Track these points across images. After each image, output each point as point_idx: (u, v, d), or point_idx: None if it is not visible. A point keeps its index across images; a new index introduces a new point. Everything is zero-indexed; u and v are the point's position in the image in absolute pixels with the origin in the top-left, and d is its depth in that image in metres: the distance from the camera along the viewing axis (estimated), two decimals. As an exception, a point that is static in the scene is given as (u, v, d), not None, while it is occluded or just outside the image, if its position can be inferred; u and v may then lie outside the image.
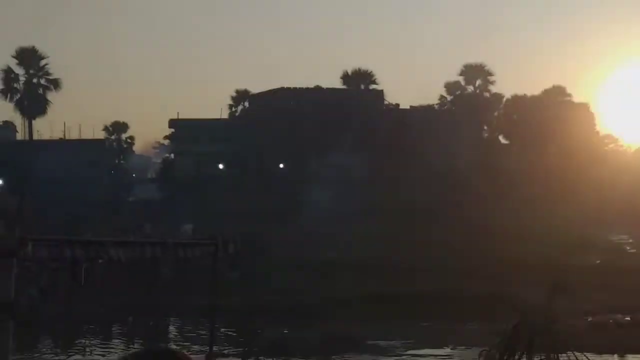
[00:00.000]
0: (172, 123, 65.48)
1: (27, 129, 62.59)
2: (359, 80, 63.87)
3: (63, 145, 62.80)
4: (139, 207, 55.86)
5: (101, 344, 25.86)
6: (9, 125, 68.27)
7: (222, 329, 23.37)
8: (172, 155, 65.76)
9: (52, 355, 23.67)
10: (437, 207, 45.48)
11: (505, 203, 45.79)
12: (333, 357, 22.36)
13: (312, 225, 42.79)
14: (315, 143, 53.44)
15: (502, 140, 65.01)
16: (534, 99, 62.38)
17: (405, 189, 49.94)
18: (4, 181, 54.59)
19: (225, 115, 66.10)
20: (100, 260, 8.16)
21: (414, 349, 23.65)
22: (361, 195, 47.14)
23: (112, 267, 31.89)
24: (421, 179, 51.14)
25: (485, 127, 65.15)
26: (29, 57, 60.98)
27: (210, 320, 9.46)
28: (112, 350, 23.46)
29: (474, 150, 53.78)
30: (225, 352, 21.04)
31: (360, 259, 34.58)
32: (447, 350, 23.49)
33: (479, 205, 46.09)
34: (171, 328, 29.37)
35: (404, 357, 22.72)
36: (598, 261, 35.89)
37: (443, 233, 39.49)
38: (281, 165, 59.25)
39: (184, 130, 63.38)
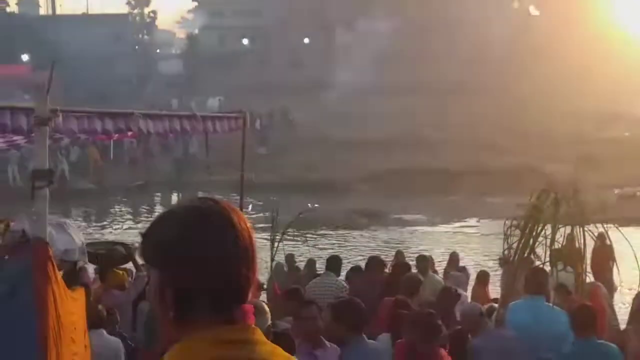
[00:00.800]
0: (196, -4, 64.41)
1: (50, 3, 61.98)
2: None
3: (86, 20, 62.22)
4: (164, 83, 55.88)
5: (130, 212, 26.73)
6: (31, 1, 67.60)
7: (250, 203, 23.87)
8: (197, 30, 65.00)
9: (85, 224, 24.52)
10: (467, 82, 44.91)
11: (536, 77, 45.03)
12: (359, 231, 22.87)
13: (339, 100, 42.67)
14: (342, 13, 52.19)
15: (533, 11, 63.13)
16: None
17: (434, 62, 49.21)
18: (30, 56, 54.62)
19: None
20: (129, 133, 8.27)
21: (439, 223, 24.08)
22: (390, 68, 46.43)
23: (140, 143, 32.59)
24: (451, 52, 50.24)
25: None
26: None
27: (240, 194, 9.64)
28: (141, 218, 24.22)
29: (504, 22, 52.33)
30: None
31: (388, 135, 34.64)
32: (472, 222, 23.88)
33: (509, 79, 45.41)
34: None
35: (428, 229, 23.16)
36: (627, 133, 35.59)
37: (473, 107, 39.20)
38: (306, 40, 58.36)
39: (208, 4, 62.32)
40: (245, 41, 58.78)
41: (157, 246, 1.52)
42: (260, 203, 25.65)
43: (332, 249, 19.81)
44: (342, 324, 4.92)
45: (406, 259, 12.35)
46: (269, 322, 3.79)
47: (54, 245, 5.43)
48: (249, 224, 1.56)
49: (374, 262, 9.69)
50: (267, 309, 3.82)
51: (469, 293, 10.61)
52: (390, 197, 26.36)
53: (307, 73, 50.44)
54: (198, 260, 1.47)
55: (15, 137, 7.75)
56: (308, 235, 15.72)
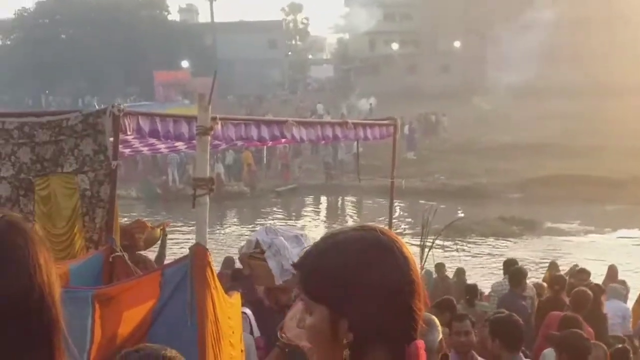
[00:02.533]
0: (348, 2, 65.08)
1: (209, 11, 64.69)
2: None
3: (242, 27, 64.46)
4: (315, 87, 56.89)
5: (282, 214, 27.37)
6: (191, 8, 70.97)
7: (398, 207, 23.80)
8: (347, 35, 65.72)
9: (239, 226, 25.40)
10: (628, 83, 42.40)
11: None
12: (510, 239, 22.19)
13: (490, 105, 41.67)
14: (494, 15, 50.95)
15: None
16: None
17: (592, 61, 46.92)
18: (190, 62, 57.32)
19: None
20: (283, 140, 8.46)
21: (595, 233, 22.91)
22: (545, 69, 44.68)
23: (291, 148, 33.38)
24: (611, 51, 47.66)
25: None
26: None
27: (389, 200, 9.60)
28: (293, 220, 24.82)
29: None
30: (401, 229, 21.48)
31: (542, 140, 33.42)
32: (634, 233, 22.53)
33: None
34: (348, 204, 30.39)
35: (583, 239, 22.08)
36: None
37: (634, 111, 36.96)
38: (457, 43, 57.48)
39: (360, 9, 62.85)
40: (395, 46, 58.76)
41: (331, 279, 1.37)
42: (399, 208, 25.48)
43: (482, 257, 19.34)
44: (500, 341, 4.77)
45: (560, 270, 11.86)
46: (441, 335, 3.70)
47: (291, 259, 5.65)
48: (408, 249, 1.45)
49: (520, 275, 9.31)
50: (437, 322, 3.73)
51: (629, 306, 10.02)
52: (543, 205, 25.39)
53: (456, 77, 49.70)
54: (379, 294, 1.35)
55: (177, 143, 8.15)
56: (458, 243, 15.39)
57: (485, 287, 11.49)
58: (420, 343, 1.40)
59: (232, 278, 8.72)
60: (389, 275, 1.36)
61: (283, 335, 3.53)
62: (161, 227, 8.82)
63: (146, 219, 10.29)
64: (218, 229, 23.91)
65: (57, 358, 1.06)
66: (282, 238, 6.49)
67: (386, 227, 1.50)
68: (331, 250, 1.40)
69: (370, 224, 1.48)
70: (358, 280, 1.35)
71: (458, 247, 14.96)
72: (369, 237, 1.41)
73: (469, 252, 19.56)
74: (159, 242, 8.94)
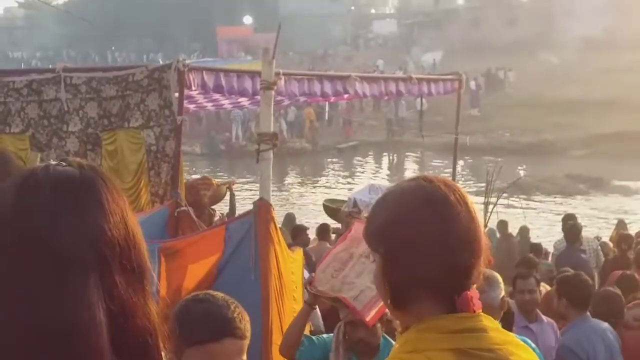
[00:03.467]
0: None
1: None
2: None
3: (304, -18, 63.87)
4: (378, 43, 56.27)
5: (343, 172, 27.41)
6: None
7: (462, 165, 23.53)
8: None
9: (301, 181, 25.54)
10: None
11: None
12: (577, 196, 21.73)
13: (557, 59, 40.51)
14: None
15: None
16: None
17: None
18: (252, 18, 57.30)
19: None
20: (346, 95, 8.40)
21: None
22: (618, 20, 42.98)
23: (354, 104, 33.20)
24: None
25: None
26: None
27: (453, 157, 9.48)
28: (354, 178, 24.80)
29: None
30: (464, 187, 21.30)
31: (612, 96, 32.41)
32: None
33: None
34: (410, 161, 30.21)
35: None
36: None
37: None
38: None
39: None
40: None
41: (377, 229, 1.45)
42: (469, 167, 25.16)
43: (547, 215, 19.01)
44: (567, 300, 4.68)
45: (628, 229, 11.57)
46: (503, 292, 3.65)
47: None
48: (471, 202, 1.44)
49: (575, 230, 9.08)
50: (500, 278, 3.68)
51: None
52: (611, 162, 24.72)
53: (523, 30, 48.34)
54: (418, 245, 1.38)
55: (240, 99, 8.18)
56: (522, 202, 15.15)
57: (550, 246, 11.29)
58: (473, 293, 1.41)
59: (292, 236, 8.79)
60: (432, 229, 1.38)
61: (312, 288, 3.57)
62: (227, 186, 8.95)
63: (210, 175, 10.44)
64: (280, 185, 24.09)
65: (149, 301, 1.10)
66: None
67: (447, 179, 1.48)
68: (381, 203, 1.48)
69: (429, 175, 1.48)
70: (399, 233, 1.40)
71: (522, 205, 14.68)
72: (419, 190, 1.44)
73: (534, 210, 19.24)
74: (228, 200, 9.07)
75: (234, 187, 9.41)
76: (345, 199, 12.31)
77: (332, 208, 12.19)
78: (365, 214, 6.13)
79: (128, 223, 1.10)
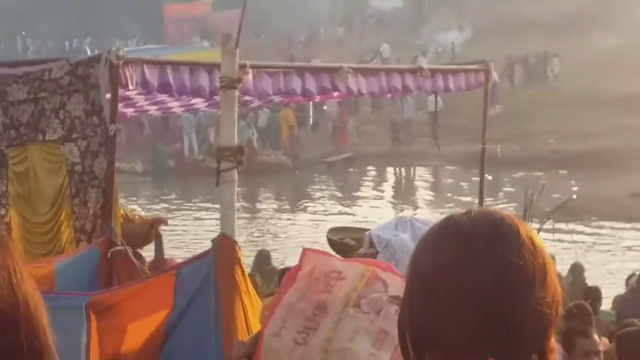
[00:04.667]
0: None
1: None
2: None
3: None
4: (376, 22, 56.49)
5: (333, 193, 27.45)
6: None
7: (491, 182, 23.63)
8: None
9: (278, 208, 25.56)
10: None
11: None
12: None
13: (618, 44, 40.81)
14: None
15: None
16: None
17: None
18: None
19: None
20: (335, 93, 8.43)
21: None
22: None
23: (343, 106, 33.31)
24: None
25: None
26: None
27: (480, 172, 9.52)
28: (348, 202, 24.78)
29: None
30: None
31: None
32: None
33: None
34: (422, 178, 30.30)
35: None
36: None
37: None
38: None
39: None
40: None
41: (410, 267, 1.61)
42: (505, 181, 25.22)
43: (607, 248, 19.10)
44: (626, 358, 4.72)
45: None
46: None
47: None
48: (535, 237, 1.60)
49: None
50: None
51: None
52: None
53: (571, 5, 48.77)
54: (435, 295, 1.55)
55: (194, 101, 8.19)
56: (574, 230, 15.22)
57: (612, 289, 11.35)
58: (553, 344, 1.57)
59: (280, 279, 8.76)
60: (451, 275, 1.55)
61: None
62: (153, 224, 8.18)
63: (156, 199, 10.39)
64: (249, 214, 24.08)
65: None
66: (407, 235, 6.47)
67: (505, 213, 1.63)
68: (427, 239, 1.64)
69: (487, 208, 1.67)
70: (416, 277, 1.59)
71: (574, 235, 14.76)
72: (445, 227, 1.61)
73: (589, 241, 19.32)
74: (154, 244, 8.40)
75: (164, 227, 8.43)
76: (352, 225, 12.22)
77: (342, 244, 11.82)
78: (384, 255, 6.12)
79: (16, 287, 1.08)
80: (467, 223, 1.59)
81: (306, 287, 3.64)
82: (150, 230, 7.88)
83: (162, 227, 8.14)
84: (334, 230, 13.13)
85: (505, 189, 25.78)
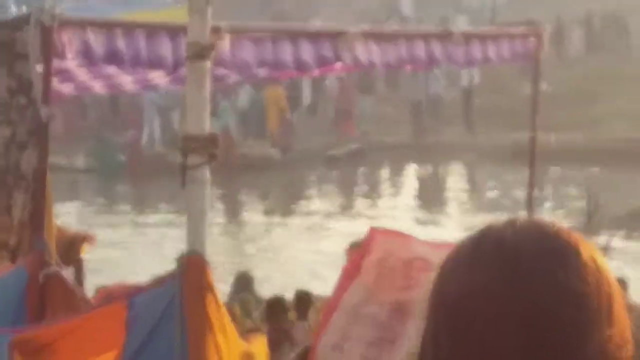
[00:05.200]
0: None
1: None
2: None
3: None
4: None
5: (341, 207, 27.46)
6: None
7: (544, 181, 23.63)
8: None
9: (266, 214, 25.55)
10: None
11: None
12: None
13: None
14: None
15: None
16: None
17: None
18: None
19: None
20: (338, 64, 8.40)
21: None
22: None
23: (349, 82, 33.26)
24: None
25: None
26: None
27: (530, 167, 9.53)
28: (356, 212, 24.73)
29: None
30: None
31: None
32: None
33: None
34: (453, 176, 30.30)
35: None
36: None
37: None
38: None
39: None
40: None
41: (435, 294, 1.63)
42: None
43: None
44: None
45: None
46: None
47: None
48: (599, 258, 1.62)
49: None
50: None
51: None
52: None
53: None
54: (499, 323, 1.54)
55: (152, 74, 8.18)
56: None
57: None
58: None
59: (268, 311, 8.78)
60: (489, 305, 1.55)
61: None
62: (77, 243, 7.92)
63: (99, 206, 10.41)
64: (227, 223, 24.07)
65: None
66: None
67: (559, 225, 1.63)
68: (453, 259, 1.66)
69: (537, 218, 1.67)
70: (443, 307, 1.60)
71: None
72: (482, 242, 1.62)
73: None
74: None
75: (91, 246, 8.19)
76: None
77: None
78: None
79: None
80: (511, 237, 1.58)
81: (376, 282, 3.37)
82: (69, 250, 7.62)
83: (91, 246, 8.05)
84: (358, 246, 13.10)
85: (561, 189, 25.74)
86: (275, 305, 9.99)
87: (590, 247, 1.58)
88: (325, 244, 19.05)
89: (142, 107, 31.65)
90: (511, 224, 1.61)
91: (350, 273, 3.37)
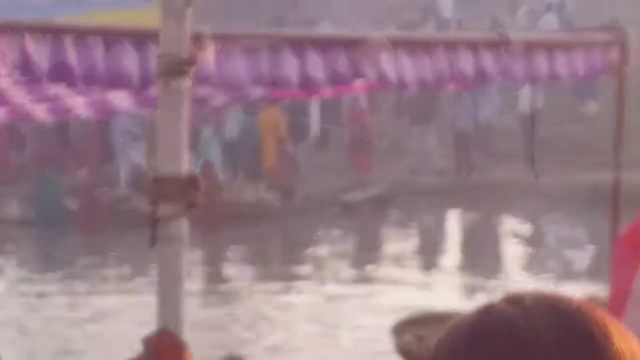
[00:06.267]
0: None
1: None
2: None
3: None
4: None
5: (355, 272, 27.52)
6: None
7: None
8: None
9: (256, 274, 25.58)
10: None
11: None
12: None
13: None
14: None
15: None
16: None
17: None
18: None
19: None
20: (357, 81, 8.43)
21: None
22: None
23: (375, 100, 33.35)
24: None
25: None
26: None
27: (611, 217, 9.58)
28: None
29: None
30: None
31: None
32: None
33: None
34: (512, 228, 30.36)
35: None
36: None
37: None
38: None
39: None
40: None
41: None
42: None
43: None
44: None
45: None
46: None
47: None
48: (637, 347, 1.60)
49: None
50: None
51: None
52: None
53: None
54: None
55: (112, 95, 8.22)
56: None
57: None
58: None
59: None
60: None
61: None
62: None
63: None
64: (210, 291, 24.07)
65: None
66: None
67: (582, 302, 1.63)
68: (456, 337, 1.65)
69: (552, 294, 1.68)
70: None
71: None
72: (485, 327, 1.62)
73: None
74: None
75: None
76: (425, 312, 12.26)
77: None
78: None
79: None
80: (522, 320, 1.58)
81: None
82: None
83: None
84: (406, 324, 12.94)
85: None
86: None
87: (622, 332, 1.59)
88: (341, 312, 19.06)
89: (103, 138, 31.65)
90: (517, 301, 1.62)
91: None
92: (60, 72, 6.50)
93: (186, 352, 4.48)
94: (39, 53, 6.37)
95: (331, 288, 24.00)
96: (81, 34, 6.68)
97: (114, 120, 27.85)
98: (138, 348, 4.53)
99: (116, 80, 6.75)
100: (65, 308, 21.09)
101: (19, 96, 7.76)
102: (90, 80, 6.70)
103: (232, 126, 32.21)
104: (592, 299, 8.73)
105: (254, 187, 31.81)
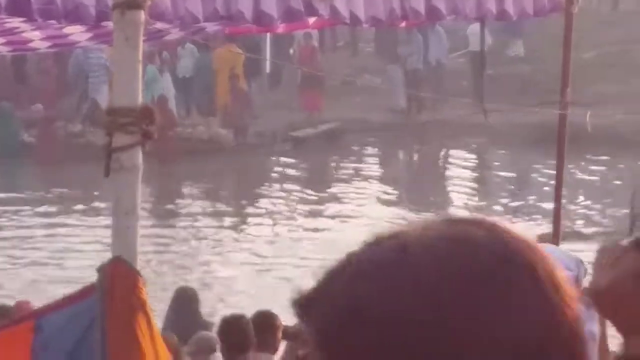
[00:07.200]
0: None
1: None
2: None
3: None
4: None
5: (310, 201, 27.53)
6: None
7: (573, 174, 23.78)
8: None
9: (209, 208, 25.56)
10: None
11: None
12: None
13: None
14: None
15: None
16: None
17: None
18: None
19: None
20: (312, 19, 8.42)
21: None
22: None
23: (327, 36, 33.21)
24: None
25: None
26: None
27: (557, 155, 9.62)
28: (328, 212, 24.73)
29: None
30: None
31: None
32: None
33: None
34: (458, 164, 30.39)
35: None
36: None
37: None
38: None
39: None
40: None
41: (351, 320, 1.48)
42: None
43: None
44: None
45: None
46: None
47: None
48: (566, 285, 1.52)
49: None
50: None
51: None
52: None
53: None
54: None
55: (69, 30, 8.17)
56: None
57: None
58: None
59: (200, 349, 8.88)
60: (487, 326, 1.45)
61: None
62: None
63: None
64: (163, 224, 24.04)
65: None
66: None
67: (509, 227, 1.54)
68: (372, 270, 1.52)
69: (477, 217, 1.57)
70: (423, 327, 1.45)
71: None
72: (440, 250, 1.49)
73: None
74: None
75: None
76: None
77: None
78: None
79: None
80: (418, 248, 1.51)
81: None
82: None
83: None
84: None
85: (599, 183, 25.85)
86: (233, 324, 9.69)
87: (544, 257, 1.51)
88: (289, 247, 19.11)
89: (59, 72, 31.45)
90: (425, 227, 1.54)
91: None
92: (18, 6, 6.45)
93: (139, 279, 4.46)
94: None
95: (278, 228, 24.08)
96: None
97: (71, 55, 27.55)
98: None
99: (72, 14, 6.71)
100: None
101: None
102: (47, 14, 6.65)
103: (186, 63, 32.08)
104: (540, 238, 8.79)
105: (208, 123, 31.72)
